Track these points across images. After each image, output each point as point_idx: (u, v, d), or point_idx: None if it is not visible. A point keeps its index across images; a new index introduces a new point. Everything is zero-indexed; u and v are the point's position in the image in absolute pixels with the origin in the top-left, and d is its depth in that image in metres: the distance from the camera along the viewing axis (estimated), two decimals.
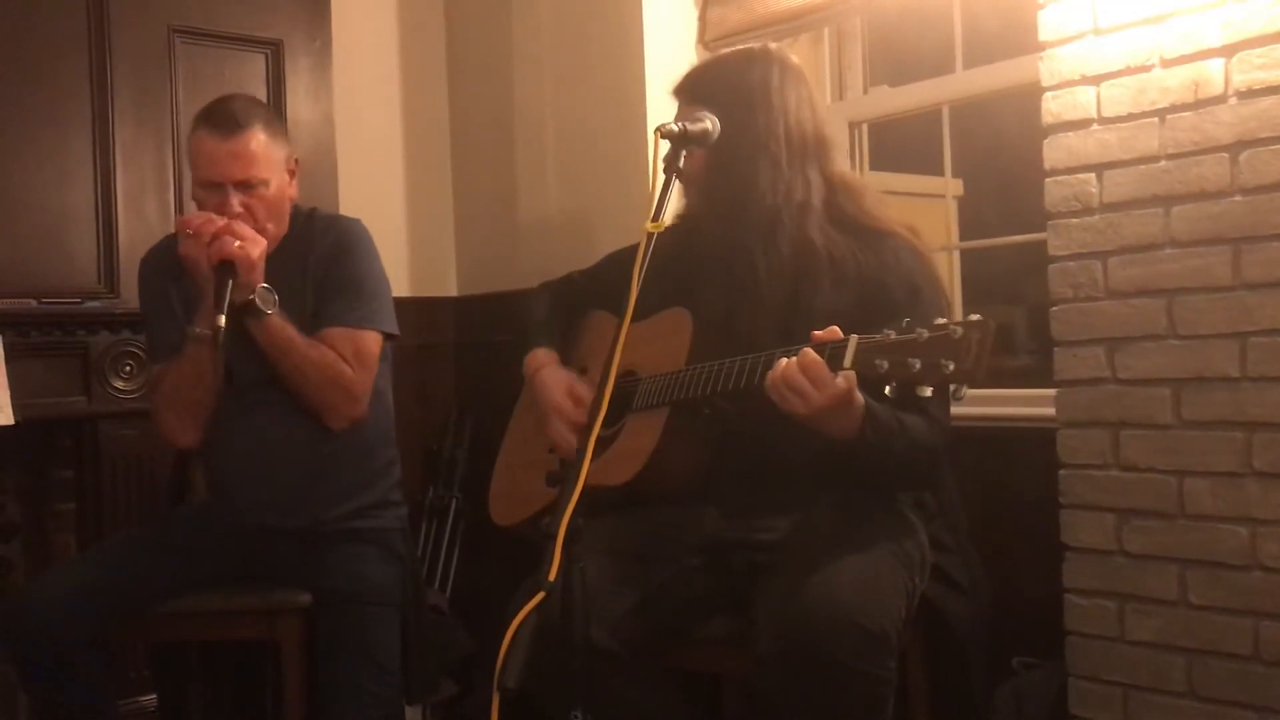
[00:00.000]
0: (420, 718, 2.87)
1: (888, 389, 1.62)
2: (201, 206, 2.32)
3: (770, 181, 1.99)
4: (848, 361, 1.66)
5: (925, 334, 1.58)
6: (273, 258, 2.32)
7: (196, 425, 2.36)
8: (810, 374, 1.69)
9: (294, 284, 2.35)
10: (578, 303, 2.38)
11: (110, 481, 2.97)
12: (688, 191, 2.08)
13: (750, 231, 1.99)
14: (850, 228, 2.01)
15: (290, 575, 2.36)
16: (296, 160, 2.42)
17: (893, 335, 1.61)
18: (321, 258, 2.38)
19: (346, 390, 2.32)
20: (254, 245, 2.23)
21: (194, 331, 2.26)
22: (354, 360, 2.32)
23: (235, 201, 2.27)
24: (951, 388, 1.58)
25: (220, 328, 2.15)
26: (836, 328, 1.70)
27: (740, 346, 1.90)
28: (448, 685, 2.93)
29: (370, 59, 3.58)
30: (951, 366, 1.54)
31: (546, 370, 2.25)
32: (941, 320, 1.58)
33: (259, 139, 2.29)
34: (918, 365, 1.57)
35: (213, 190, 2.29)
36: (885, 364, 1.61)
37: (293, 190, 2.40)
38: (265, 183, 2.30)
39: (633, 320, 2.22)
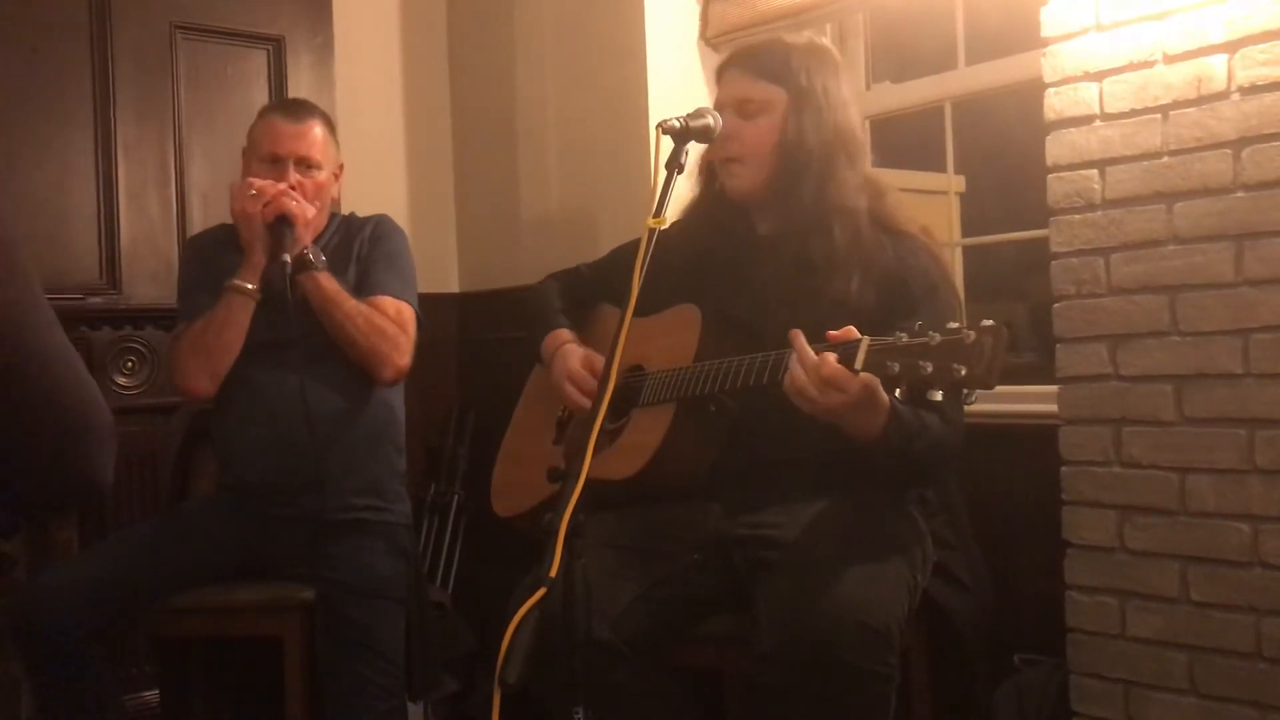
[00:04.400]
0: (423, 714, 2.87)
1: (898, 391, 1.62)
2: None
3: (843, 178, 2.02)
4: (858, 364, 1.65)
5: (938, 338, 1.57)
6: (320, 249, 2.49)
7: (213, 374, 2.40)
8: (831, 379, 1.68)
9: (342, 268, 2.49)
10: (585, 295, 2.39)
11: (113, 477, 2.97)
12: (742, 162, 2.06)
13: (820, 221, 1.99)
14: (878, 225, 2.04)
15: (296, 568, 2.37)
16: (342, 167, 2.60)
17: (905, 338, 1.60)
18: (365, 241, 2.54)
19: (393, 342, 2.44)
20: (307, 207, 2.41)
21: (235, 283, 2.40)
22: (397, 322, 2.46)
23: (292, 175, 2.45)
24: (964, 392, 1.57)
25: (287, 261, 2.33)
26: (853, 328, 1.69)
27: (761, 332, 1.91)
28: (450, 682, 2.93)
29: (372, 55, 3.58)
30: (963, 371, 1.54)
31: (568, 346, 2.26)
32: (954, 324, 1.57)
33: (320, 129, 2.53)
34: (929, 368, 1.56)
35: (274, 164, 2.46)
36: (897, 366, 1.60)
37: (336, 192, 2.59)
38: (319, 167, 2.50)
39: (641, 315, 2.23)
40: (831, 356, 1.69)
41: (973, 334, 1.55)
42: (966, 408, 2.24)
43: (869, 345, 1.65)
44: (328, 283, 2.39)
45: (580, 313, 2.37)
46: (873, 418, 1.75)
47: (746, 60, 2.09)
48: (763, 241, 2.11)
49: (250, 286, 2.39)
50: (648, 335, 2.09)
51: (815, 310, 1.92)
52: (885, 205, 2.06)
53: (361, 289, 2.46)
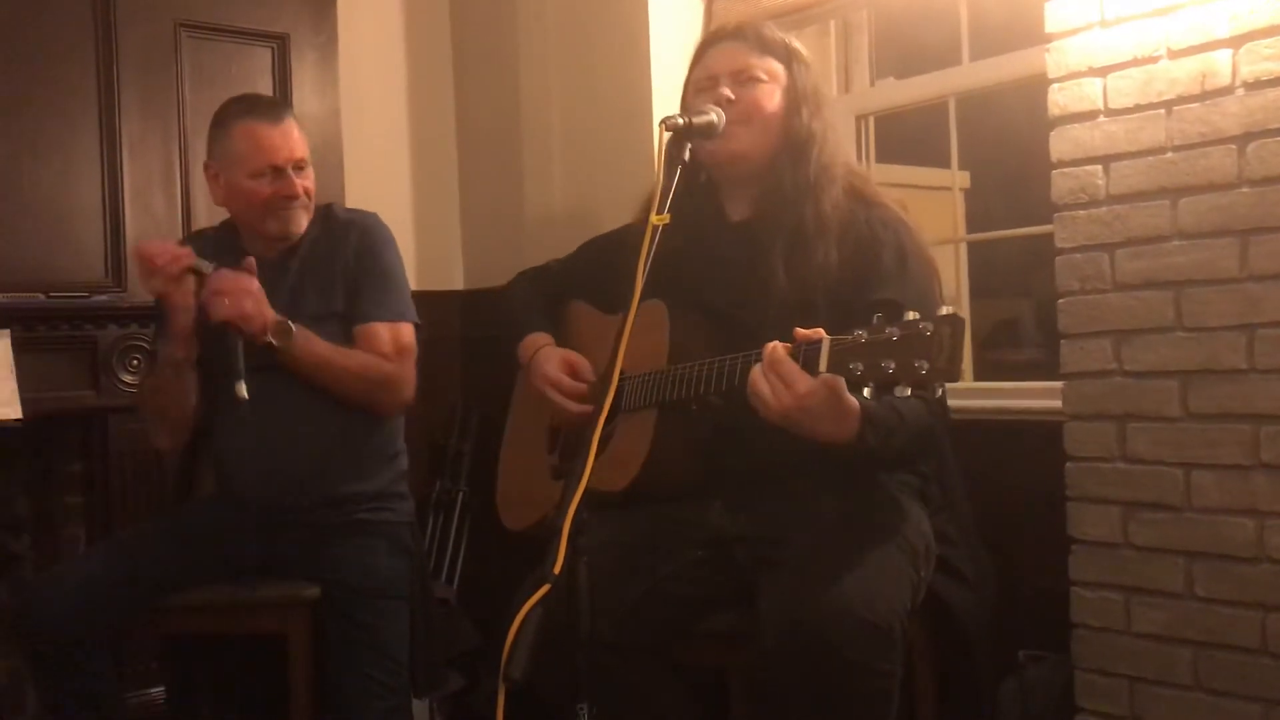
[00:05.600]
0: (427, 711, 2.87)
1: (866, 390, 1.59)
2: (254, 195, 2.36)
3: (833, 155, 2.05)
4: (823, 365, 1.63)
5: (897, 333, 1.55)
6: (301, 253, 2.41)
7: (174, 432, 2.42)
8: (778, 370, 1.66)
9: (324, 279, 2.41)
10: (557, 293, 2.38)
11: (118, 475, 2.98)
12: (745, 124, 2.02)
13: (807, 194, 2.00)
14: (852, 196, 2.04)
15: (300, 568, 2.37)
16: None
17: (864, 336, 1.58)
18: (351, 254, 2.42)
19: (390, 385, 2.38)
20: (243, 297, 2.22)
21: (164, 353, 2.32)
22: (394, 353, 2.38)
23: (298, 182, 2.36)
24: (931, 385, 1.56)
25: (244, 398, 2.17)
26: (821, 329, 1.66)
27: (735, 319, 1.92)
28: (455, 678, 2.93)
29: (376, 52, 3.58)
30: (926, 366, 1.52)
31: (544, 349, 2.25)
32: (912, 316, 1.55)
33: (295, 122, 2.40)
34: (892, 367, 1.54)
35: (274, 176, 2.35)
36: (860, 367, 1.58)
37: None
38: (309, 163, 2.40)
39: (608, 313, 2.22)
40: (782, 347, 1.67)
41: (930, 326, 1.53)
42: (970, 402, 2.25)
43: (831, 345, 1.63)
44: (304, 357, 2.28)
45: (553, 311, 2.36)
46: (843, 423, 1.71)
47: (742, 34, 2.09)
48: (735, 227, 2.10)
49: (180, 356, 2.28)
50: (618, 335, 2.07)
51: (790, 293, 1.92)
52: (860, 181, 2.08)
53: (353, 313, 2.39)
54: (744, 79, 2.03)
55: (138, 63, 3.03)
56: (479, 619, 3.07)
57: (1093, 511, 2.17)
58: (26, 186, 2.89)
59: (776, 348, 1.67)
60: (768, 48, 2.06)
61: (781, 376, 1.66)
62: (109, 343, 2.91)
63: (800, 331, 1.67)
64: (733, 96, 2.01)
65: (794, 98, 2.04)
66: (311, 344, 2.30)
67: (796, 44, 2.12)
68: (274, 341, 2.25)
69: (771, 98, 2.04)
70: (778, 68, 2.05)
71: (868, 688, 1.74)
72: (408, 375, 2.40)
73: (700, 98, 2.04)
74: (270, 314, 2.25)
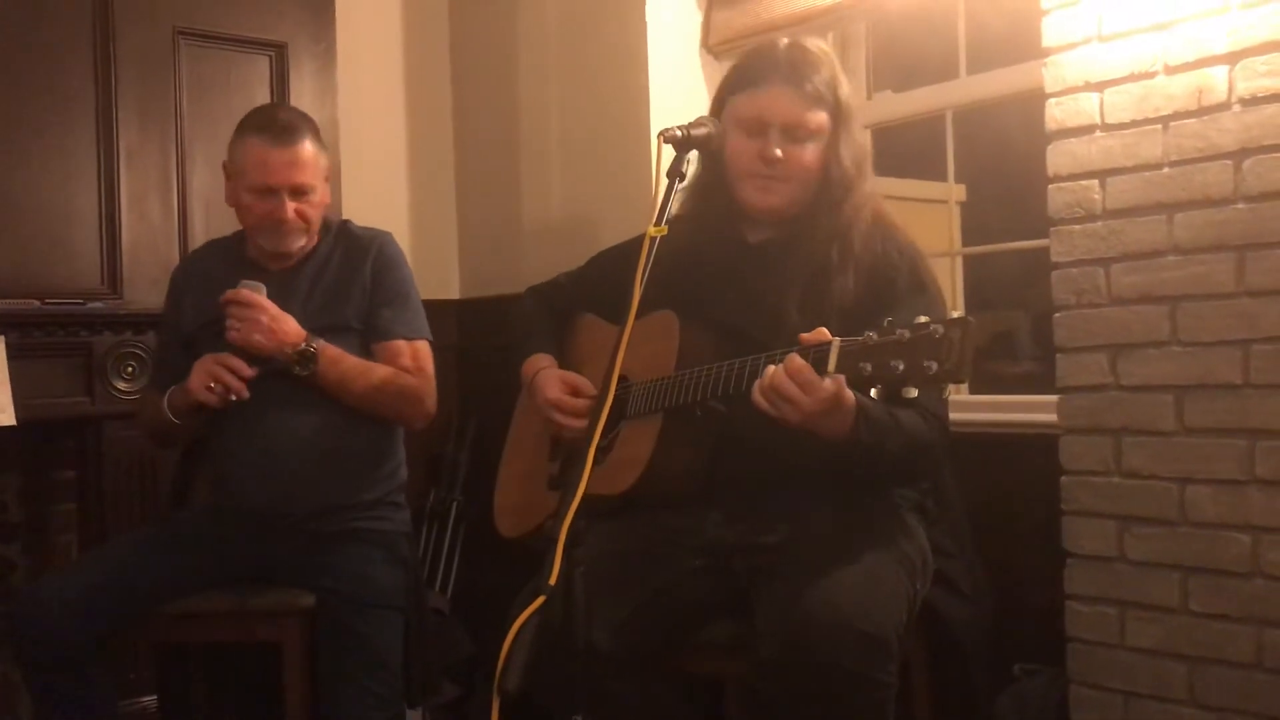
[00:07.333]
0: None
1: (874, 391, 1.62)
2: (249, 210, 2.39)
3: (867, 189, 2.06)
4: (831, 366, 1.65)
5: (907, 334, 1.57)
6: (314, 267, 2.44)
7: (161, 443, 2.55)
8: (799, 379, 1.68)
9: (339, 294, 2.43)
10: (566, 306, 2.38)
11: (112, 482, 2.97)
12: (786, 182, 2.02)
13: (833, 229, 2.01)
14: (873, 222, 2.04)
15: (294, 576, 2.37)
16: (329, 169, 2.52)
17: (874, 337, 1.60)
18: (369, 273, 2.46)
19: (415, 398, 2.42)
20: (253, 328, 2.29)
21: (168, 408, 2.38)
22: (415, 369, 2.43)
23: (290, 207, 2.36)
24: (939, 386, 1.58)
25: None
26: (825, 329, 1.69)
27: (747, 334, 1.92)
28: (449, 688, 2.93)
29: (374, 62, 3.58)
30: (935, 367, 1.54)
31: (543, 372, 2.26)
32: (922, 319, 1.57)
33: (309, 148, 2.39)
34: (901, 367, 1.56)
35: (267, 195, 2.36)
36: (869, 367, 1.60)
37: (327, 197, 2.49)
38: (314, 189, 2.40)
39: (618, 323, 2.22)
40: (800, 357, 1.68)
41: (941, 328, 1.54)
42: (966, 415, 2.25)
43: (840, 346, 1.65)
44: (329, 381, 2.33)
45: (560, 326, 2.37)
46: (840, 419, 1.74)
47: (795, 79, 2.00)
48: (754, 249, 2.10)
49: (176, 422, 2.38)
50: (629, 344, 2.08)
51: (802, 321, 1.92)
52: (880, 205, 2.08)
53: (373, 330, 2.43)
54: (795, 135, 2.00)
55: (136, 70, 3.03)
56: (473, 628, 3.07)
57: (1088, 525, 2.17)
58: (23, 193, 2.88)
59: (795, 358, 1.68)
60: (816, 97, 2.00)
61: (803, 386, 1.67)
62: (104, 350, 2.91)
63: (805, 337, 1.69)
64: (781, 156, 1.99)
65: (835, 147, 2.01)
66: (339, 365, 2.35)
67: (826, 55, 2.06)
68: (296, 369, 2.30)
69: (817, 154, 2.01)
70: (824, 118, 2.00)
71: (864, 699, 1.74)
72: (427, 389, 2.45)
73: (747, 141, 2.01)
74: (290, 341, 2.30)
